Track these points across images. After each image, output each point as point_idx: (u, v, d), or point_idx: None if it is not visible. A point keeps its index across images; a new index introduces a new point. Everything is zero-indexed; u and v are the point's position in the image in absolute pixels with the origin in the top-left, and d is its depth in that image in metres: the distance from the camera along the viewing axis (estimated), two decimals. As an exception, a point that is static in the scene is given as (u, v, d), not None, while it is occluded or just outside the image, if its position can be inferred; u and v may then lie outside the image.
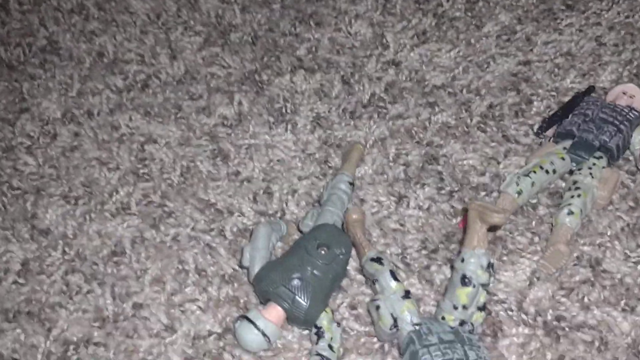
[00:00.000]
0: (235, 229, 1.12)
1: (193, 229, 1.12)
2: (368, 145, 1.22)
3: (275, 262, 0.98)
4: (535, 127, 1.19)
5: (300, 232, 1.06)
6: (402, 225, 1.10)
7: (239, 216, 1.14)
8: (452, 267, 0.93)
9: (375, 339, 0.97)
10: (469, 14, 1.46)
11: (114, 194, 1.19)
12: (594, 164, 1.07)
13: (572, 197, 1.03)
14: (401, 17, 1.48)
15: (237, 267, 1.07)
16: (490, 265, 0.89)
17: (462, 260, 0.89)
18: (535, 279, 1.00)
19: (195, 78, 1.39)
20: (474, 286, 0.88)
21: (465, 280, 0.89)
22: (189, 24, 1.52)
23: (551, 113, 1.18)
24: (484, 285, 0.89)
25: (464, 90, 1.31)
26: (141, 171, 1.23)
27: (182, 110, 1.33)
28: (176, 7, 1.57)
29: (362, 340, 0.97)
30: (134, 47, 1.48)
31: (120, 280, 1.07)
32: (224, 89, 1.36)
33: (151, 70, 1.42)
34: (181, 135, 1.29)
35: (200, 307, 1.02)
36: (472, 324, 0.90)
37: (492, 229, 0.96)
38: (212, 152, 1.25)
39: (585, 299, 0.97)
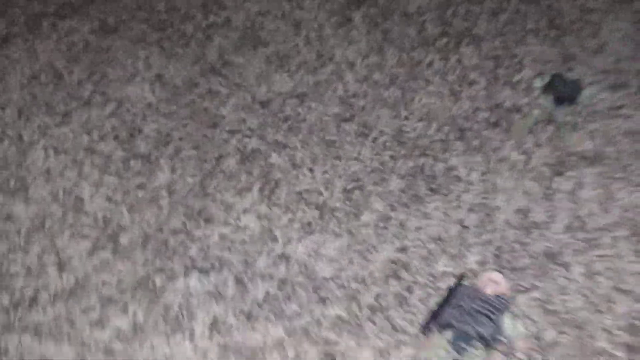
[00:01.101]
0: None
1: None
2: (268, 349, 1.26)
3: None
4: (420, 323, 1.29)
5: None
6: None
7: None
8: None
9: None
10: (347, 203, 1.59)
11: None
12: (474, 354, 1.17)
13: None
14: (286, 209, 1.58)
15: None
16: None
17: None
18: None
19: (86, 288, 1.39)
20: None
21: None
22: (76, 228, 1.53)
23: (431, 310, 1.29)
24: None
25: (351, 281, 1.40)
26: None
27: (74, 326, 1.31)
28: (62, 211, 1.57)
29: None
30: (20, 257, 1.45)
31: None
32: (116, 298, 1.36)
33: (39, 283, 1.39)
34: (76, 355, 1.25)
35: None
36: None
37: None
38: (109, 374, 1.23)
39: None
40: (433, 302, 1.32)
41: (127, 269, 1.43)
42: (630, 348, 1.26)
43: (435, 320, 1.27)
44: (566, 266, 1.43)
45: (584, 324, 1.31)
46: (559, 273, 1.42)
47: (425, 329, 1.25)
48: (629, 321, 1.31)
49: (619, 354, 1.25)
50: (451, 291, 1.31)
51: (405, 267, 1.44)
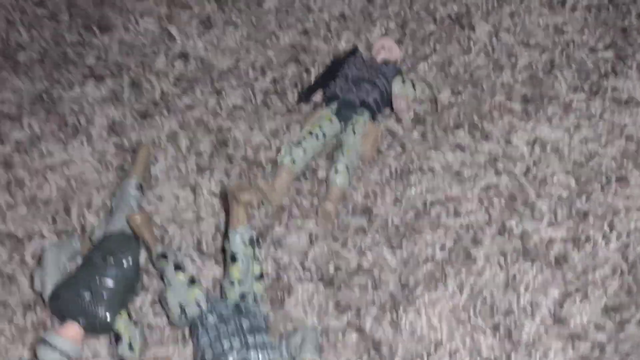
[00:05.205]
0: (36, 254, 1.14)
1: (-6, 263, 1.13)
2: (161, 143, 1.26)
3: (65, 281, 1.01)
4: (299, 92, 1.26)
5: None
6: (197, 214, 1.15)
7: (40, 239, 1.16)
8: (222, 249, 0.99)
9: (179, 329, 1.02)
10: (249, -9, 1.50)
11: None
12: (357, 121, 1.15)
13: (338, 156, 1.11)
14: (186, 6, 1.50)
15: (39, 293, 1.09)
16: (254, 240, 0.96)
17: (228, 240, 0.95)
18: (314, 238, 1.08)
19: (-15, 108, 1.38)
20: (242, 261, 0.95)
21: (233, 257, 0.95)
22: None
23: (313, 82, 1.25)
24: (253, 258, 0.96)
25: (249, 70, 1.36)
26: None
27: (-25, 144, 1.32)
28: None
29: (166, 332, 1.02)
30: None
31: None
32: (13, 114, 1.35)
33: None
34: (-24, 169, 1.28)
35: (7, 338, 1.04)
36: (254, 295, 0.97)
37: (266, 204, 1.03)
38: (7, 181, 1.25)
39: (361, 245, 1.06)
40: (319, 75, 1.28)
41: (26, 85, 1.41)
42: (526, 99, 1.22)
43: (315, 91, 1.23)
44: (472, 27, 1.35)
45: (483, 81, 1.26)
46: (464, 34, 1.34)
47: (301, 103, 1.23)
48: (530, 73, 1.26)
49: (515, 106, 1.21)
50: (335, 63, 1.26)
51: (305, 49, 1.38)
